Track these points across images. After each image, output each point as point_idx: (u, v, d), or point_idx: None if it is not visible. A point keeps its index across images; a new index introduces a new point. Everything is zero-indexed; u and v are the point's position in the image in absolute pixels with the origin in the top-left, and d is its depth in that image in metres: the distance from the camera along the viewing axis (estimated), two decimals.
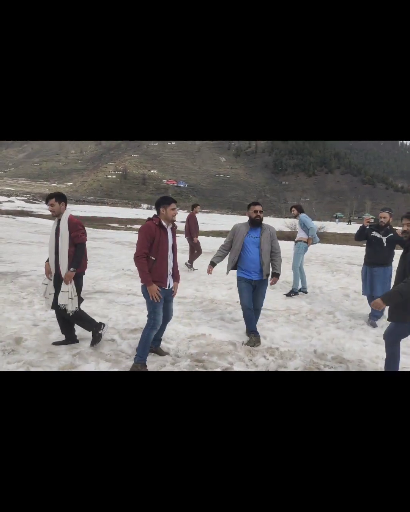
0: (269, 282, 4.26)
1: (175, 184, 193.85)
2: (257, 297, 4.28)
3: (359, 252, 14.18)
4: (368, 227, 5.08)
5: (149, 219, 3.39)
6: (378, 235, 4.91)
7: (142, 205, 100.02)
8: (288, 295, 6.29)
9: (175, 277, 3.58)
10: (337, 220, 73.56)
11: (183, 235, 8.70)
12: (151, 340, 3.39)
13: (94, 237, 15.50)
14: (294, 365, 3.53)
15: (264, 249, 4.11)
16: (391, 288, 4.22)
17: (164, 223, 3.36)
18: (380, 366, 3.58)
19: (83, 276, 3.89)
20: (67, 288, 3.54)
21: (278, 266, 4.21)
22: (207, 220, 41.42)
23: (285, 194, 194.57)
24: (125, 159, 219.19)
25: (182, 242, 8.47)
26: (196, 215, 8.63)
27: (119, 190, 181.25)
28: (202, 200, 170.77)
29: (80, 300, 3.74)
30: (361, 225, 5.23)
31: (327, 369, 3.46)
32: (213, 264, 4.32)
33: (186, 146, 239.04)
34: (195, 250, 8.52)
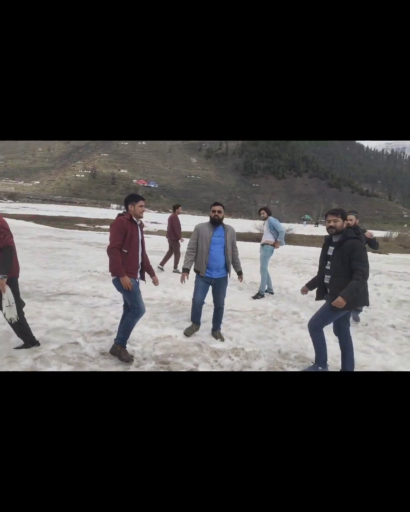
0: (238, 280, 4.47)
1: (145, 184, 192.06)
2: (217, 295, 4.37)
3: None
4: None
5: (120, 214, 3.57)
6: None
7: (111, 205, 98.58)
8: (255, 297, 6.38)
9: (149, 271, 3.83)
10: (304, 222, 75.31)
11: (165, 236, 8.66)
12: (133, 326, 3.62)
13: (60, 238, 15.10)
14: (258, 365, 3.59)
15: (228, 248, 4.24)
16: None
17: (134, 219, 3.57)
18: (340, 365, 3.69)
19: (18, 279, 3.58)
20: (4, 296, 3.35)
21: (239, 264, 4.42)
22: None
23: (255, 196, 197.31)
24: (95, 158, 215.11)
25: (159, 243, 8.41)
26: (178, 216, 8.61)
27: (88, 189, 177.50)
28: (173, 200, 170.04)
29: (21, 304, 3.58)
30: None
31: (289, 369, 3.54)
32: (186, 270, 4.26)
33: (157, 146, 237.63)
34: (174, 252, 8.47)
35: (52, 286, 6.39)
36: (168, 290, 6.53)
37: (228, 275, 4.33)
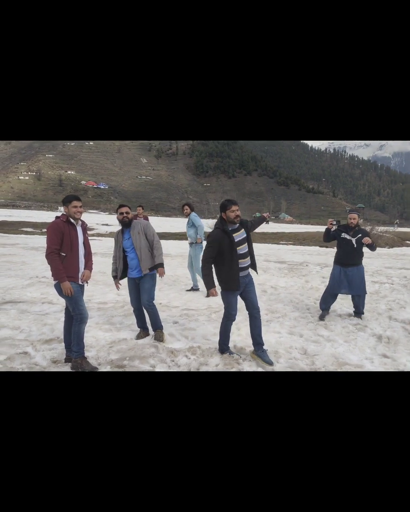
0: (157, 274, 4.19)
1: (95, 186, 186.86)
2: (141, 294, 4.19)
3: (274, 250, 15.05)
4: (333, 229, 5.19)
5: (57, 217, 3.43)
6: (348, 237, 5.07)
7: (59, 207, 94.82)
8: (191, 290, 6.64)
9: (88, 266, 3.59)
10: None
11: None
12: (83, 333, 3.46)
13: (4, 243, 14.33)
14: (214, 362, 3.62)
15: (137, 246, 4.07)
16: (362, 284, 5.11)
17: (72, 220, 3.43)
18: (293, 355, 3.83)
19: None
20: None
21: (158, 256, 4.14)
22: None
23: (207, 195, 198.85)
24: (39, 159, 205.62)
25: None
26: (140, 217, 8.52)
27: (33, 192, 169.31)
28: (125, 202, 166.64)
29: None
30: (326, 227, 5.31)
31: (245, 363, 3.61)
32: (116, 277, 4.21)
33: (105, 147, 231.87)
34: None
35: None
36: (122, 293, 6.40)
37: (149, 271, 4.12)
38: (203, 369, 3.50)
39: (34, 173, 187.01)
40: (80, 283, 3.47)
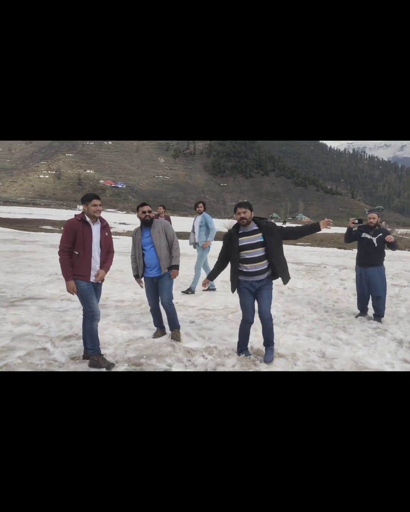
0: (170, 275, 4.17)
1: (113, 185, 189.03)
2: (161, 292, 4.19)
3: (291, 251, 14.90)
4: (355, 229, 5.13)
5: (75, 215, 3.46)
6: (368, 236, 5.02)
7: (78, 206, 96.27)
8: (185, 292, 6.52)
9: (105, 266, 3.59)
10: (272, 220, 76.64)
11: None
12: (96, 330, 3.48)
13: (24, 240, 14.62)
14: (231, 363, 3.60)
15: (157, 245, 4.06)
16: (382, 285, 5.04)
17: (88, 219, 3.43)
18: (311, 358, 3.78)
19: None
20: None
21: (175, 259, 4.15)
22: None
23: (224, 195, 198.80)
24: (59, 158, 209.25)
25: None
26: (161, 216, 8.70)
27: (53, 190, 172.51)
28: (142, 201, 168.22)
29: None
30: (347, 227, 5.25)
31: (262, 365, 3.58)
32: (138, 276, 4.21)
33: (123, 146, 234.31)
34: None
35: (17, 291, 6.16)
36: (139, 292, 6.44)
37: (167, 271, 4.12)
38: (220, 369, 3.48)
39: (54, 172, 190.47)
40: (91, 281, 3.46)
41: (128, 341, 4.09)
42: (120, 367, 3.42)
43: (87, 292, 3.42)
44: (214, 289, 6.73)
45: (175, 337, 4.16)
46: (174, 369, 3.44)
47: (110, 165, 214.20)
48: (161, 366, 3.47)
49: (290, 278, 3.68)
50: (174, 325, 4.24)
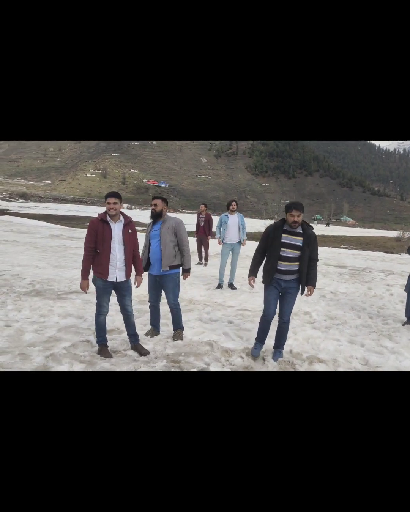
0: (181, 277, 4.12)
1: (156, 184, 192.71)
2: (166, 295, 4.12)
3: (335, 253, 14.44)
4: None
5: (98, 214, 3.57)
6: None
7: (122, 204, 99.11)
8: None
9: (137, 270, 3.73)
10: (315, 222, 74.75)
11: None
12: (102, 324, 3.68)
13: (71, 237, 15.23)
14: (270, 365, 3.56)
15: (163, 240, 3.92)
16: None
17: (109, 218, 3.48)
18: (353, 365, 3.65)
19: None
20: None
21: (186, 261, 4.07)
22: (192, 221, 41.29)
23: (265, 195, 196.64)
24: (105, 157, 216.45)
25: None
26: (203, 214, 9.33)
27: (99, 189, 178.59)
28: (183, 200, 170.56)
29: None
30: None
31: (301, 369, 3.50)
32: (145, 269, 4.12)
33: (167, 146, 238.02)
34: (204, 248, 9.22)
35: (64, 284, 6.44)
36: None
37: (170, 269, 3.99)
38: (258, 369, 3.44)
39: (100, 171, 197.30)
40: (109, 280, 3.51)
41: (167, 338, 4.16)
42: (159, 363, 3.48)
43: (100, 290, 3.60)
44: (235, 288, 6.75)
45: (178, 337, 4.13)
46: (212, 368, 3.45)
47: (154, 165, 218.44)
48: (199, 365, 3.50)
49: (314, 286, 3.65)
50: (178, 325, 4.23)
